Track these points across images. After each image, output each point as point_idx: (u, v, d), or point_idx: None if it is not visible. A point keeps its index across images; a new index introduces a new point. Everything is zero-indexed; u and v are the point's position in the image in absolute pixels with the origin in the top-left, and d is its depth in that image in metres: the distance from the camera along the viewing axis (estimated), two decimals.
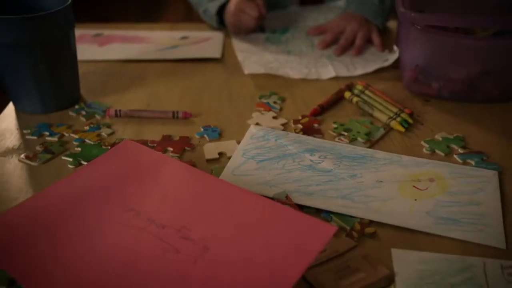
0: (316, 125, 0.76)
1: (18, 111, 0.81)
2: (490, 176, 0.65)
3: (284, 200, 0.60)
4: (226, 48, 1.02)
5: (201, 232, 0.50)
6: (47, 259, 0.48)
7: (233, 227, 0.51)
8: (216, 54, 0.99)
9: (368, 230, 0.57)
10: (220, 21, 1.06)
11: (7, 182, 0.65)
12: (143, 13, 2.42)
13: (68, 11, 0.78)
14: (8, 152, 0.71)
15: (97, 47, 1.02)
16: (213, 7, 1.05)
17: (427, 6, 0.87)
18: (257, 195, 0.55)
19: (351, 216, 0.58)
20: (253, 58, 0.96)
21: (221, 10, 1.05)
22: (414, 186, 0.63)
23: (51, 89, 0.79)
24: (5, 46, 0.75)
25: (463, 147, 0.71)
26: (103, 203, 0.55)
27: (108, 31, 1.09)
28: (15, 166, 0.68)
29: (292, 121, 0.77)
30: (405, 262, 0.52)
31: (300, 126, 0.76)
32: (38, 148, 0.71)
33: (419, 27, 0.79)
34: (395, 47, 0.91)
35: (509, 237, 0.56)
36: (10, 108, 0.82)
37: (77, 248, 0.49)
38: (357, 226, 0.57)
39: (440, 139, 0.73)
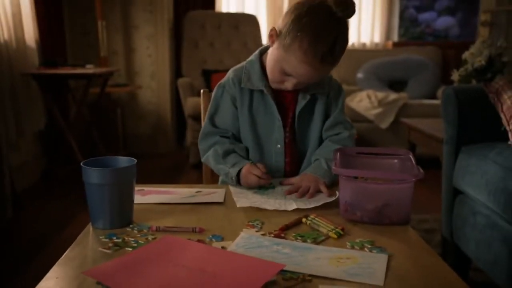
0: (282, 235, 1.22)
1: (94, 226, 1.27)
2: (383, 257, 1.09)
3: None
4: (227, 197, 1.52)
5: (212, 269, 0.94)
6: (131, 281, 0.91)
7: (228, 266, 0.94)
8: (220, 199, 1.48)
9: (307, 278, 0.99)
10: (237, 181, 1.58)
11: (95, 261, 1.08)
12: (167, 179, 3.59)
13: (133, 167, 1.30)
14: (92, 247, 1.15)
15: (140, 196, 1.52)
16: (233, 171, 1.58)
17: (353, 166, 1.41)
18: (240, 254, 0.99)
19: (298, 272, 1.01)
20: (244, 199, 1.46)
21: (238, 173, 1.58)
22: (337, 261, 1.07)
23: (118, 213, 1.26)
24: (94, 185, 1.24)
25: (371, 245, 1.16)
26: (156, 259, 0.99)
27: (147, 188, 1.60)
28: (97, 253, 1.12)
29: (267, 233, 1.23)
30: None
31: (272, 235, 1.22)
32: (110, 244, 1.16)
33: (344, 177, 1.30)
34: (336, 192, 1.41)
35: (386, 281, 0.99)
36: (89, 225, 1.28)
37: (147, 277, 0.92)
38: (301, 276, 1.00)
39: (358, 241, 1.18)
